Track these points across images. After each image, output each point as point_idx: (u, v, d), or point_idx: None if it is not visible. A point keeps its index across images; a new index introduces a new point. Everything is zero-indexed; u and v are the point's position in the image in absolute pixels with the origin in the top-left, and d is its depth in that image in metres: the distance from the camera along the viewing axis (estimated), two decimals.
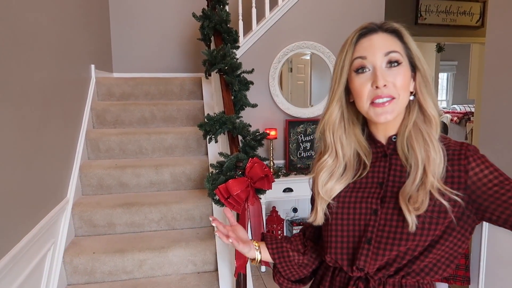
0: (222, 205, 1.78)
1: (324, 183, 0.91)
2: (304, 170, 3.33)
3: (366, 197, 0.88)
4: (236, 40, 2.73)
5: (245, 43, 3.26)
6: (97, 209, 2.35)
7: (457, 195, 0.80)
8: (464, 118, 8.88)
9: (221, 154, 1.95)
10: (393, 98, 0.81)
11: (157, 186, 2.63)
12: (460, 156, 0.82)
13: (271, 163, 3.27)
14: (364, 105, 0.83)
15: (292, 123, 3.36)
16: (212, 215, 2.45)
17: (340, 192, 0.91)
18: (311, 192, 1.00)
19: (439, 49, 5.96)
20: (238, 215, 1.80)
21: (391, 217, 0.84)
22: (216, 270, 2.23)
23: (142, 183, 2.61)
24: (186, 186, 2.67)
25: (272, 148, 3.30)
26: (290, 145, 3.35)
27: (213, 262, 2.25)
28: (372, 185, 0.89)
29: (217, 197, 1.79)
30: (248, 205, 1.70)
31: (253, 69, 2.39)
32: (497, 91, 2.23)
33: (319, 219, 0.91)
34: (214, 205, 2.42)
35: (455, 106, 10.76)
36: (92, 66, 3.06)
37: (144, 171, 2.60)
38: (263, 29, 3.29)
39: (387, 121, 0.83)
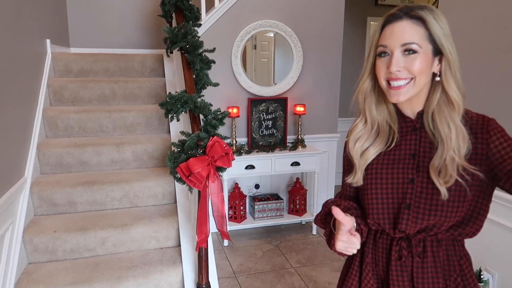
0: (184, 183, 1.83)
1: (354, 144, 1.02)
2: (266, 147, 3.42)
3: (401, 167, 0.98)
4: (197, 17, 2.72)
5: (207, 20, 3.23)
6: (56, 188, 2.33)
7: (478, 171, 0.91)
8: None
9: (182, 133, 1.98)
10: (403, 79, 0.91)
11: (119, 165, 2.63)
12: (482, 130, 0.92)
13: (234, 140, 3.33)
14: (382, 83, 0.95)
15: (255, 102, 3.41)
16: (175, 192, 2.50)
17: (374, 160, 1.01)
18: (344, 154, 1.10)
19: None
20: (199, 192, 1.86)
21: (427, 186, 0.95)
22: (179, 245, 2.29)
23: (103, 161, 2.60)
24: (148, 164, 2.69)
25: (235, 126, 3.36)
26: (252, 123, 3.42)
27: (176, 237, 2.31)
28: (405, 157, 0.99)
29: (178, 175, 1.83)
30: (209, 183, 1.75)
31: (214, 48, 2.40)
32: None
33: (359, 180, 1.02)
34: (176, 183, 2.46)
35: None
36: (48, 40, 2.94)
37: (105, 149, 2.59)
38: (225, 6, 3.27)
39: (399, 101, 0.94)
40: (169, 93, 2.18)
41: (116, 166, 2.63)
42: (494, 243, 2.08)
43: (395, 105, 1.01)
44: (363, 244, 1.07)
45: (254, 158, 3.28)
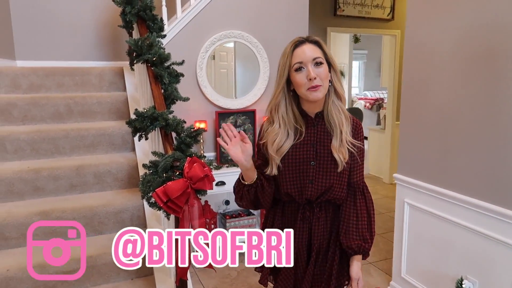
0: (160, 209, 1.66)
1: (274, 143, 1.35)
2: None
3: (306, 153, 1.36)
4: (162, 28, 2.56)
5: (169, 31, 3.07)
6: (7, 220, 2.06)
7: (360, 144, 1.39)
8: (376, 104, 9.51)
9: (154, 153, 1.82)
10: (320, 85, 1.29)
11: (80, 189, 2.39)
12: (354, 128, 1.41)
13: (202, 156, 3.16)
14: (303, 91, 1.30)
15: (222, 115, 3.28)
16: (144, 216, 2.31)
17: (288, 151, 1.36)
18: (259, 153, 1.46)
19: (356, 39, 6.30)
20: (176, 217, 1.70)
21: (323, 166, 1.36)
22: (152, 274, 2.10)
23: (62, 186, 2.35)
24: (112, 186, 2.47)
25: (203, 141, 3.20)
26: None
27: (148, 267, 2.11)
28: (307, 146, 1.37)
29: (153, 200, 1.66)
30: (188, 208, 1.60)
31: (183, 61, 2.25)
32: (414, 80, 2.40)
33: (275, 171, 1.35)
34: (146, 205, 2.27)
35: (366, 92, 11.46)
36: None
37: (63, 172, 2.34)
38: (188, 16, 3.13)
39: (319, 98, 1.31)
40: (136, 110, 2.01)
41: (77, 191, 2.39)
42: (474, 252, 2.09)
43: (299, 108, 1.38)
44: (273, 215, 1.49)
45: (225, 173, 3.13)
